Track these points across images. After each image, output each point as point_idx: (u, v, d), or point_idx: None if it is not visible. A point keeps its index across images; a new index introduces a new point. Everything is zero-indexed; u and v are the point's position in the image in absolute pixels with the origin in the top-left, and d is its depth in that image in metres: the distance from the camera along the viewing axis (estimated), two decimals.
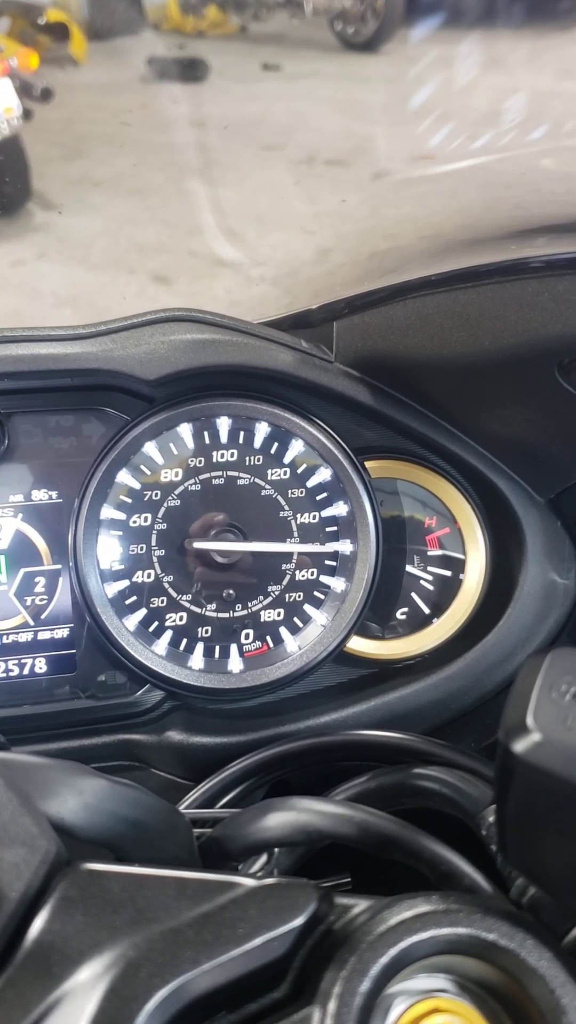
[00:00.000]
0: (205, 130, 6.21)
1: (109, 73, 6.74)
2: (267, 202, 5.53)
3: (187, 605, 1.13)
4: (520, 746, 0.58)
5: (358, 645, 1.15)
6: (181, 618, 1.13)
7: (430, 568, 1.17)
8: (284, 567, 1.14)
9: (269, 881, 0.65)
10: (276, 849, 0.88)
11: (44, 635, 1.12)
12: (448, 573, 1.17)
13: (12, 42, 5.81)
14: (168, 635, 1.13)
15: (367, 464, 1.13)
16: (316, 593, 1.15)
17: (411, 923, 0.62)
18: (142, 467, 1.12)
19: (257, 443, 1.13)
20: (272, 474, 1.14)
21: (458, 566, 1.17)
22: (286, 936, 0.62)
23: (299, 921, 0.62)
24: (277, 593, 1.15)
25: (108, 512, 1.11)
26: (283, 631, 1.15)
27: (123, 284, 4.80)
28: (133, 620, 1.12)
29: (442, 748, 0.94)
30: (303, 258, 4.89)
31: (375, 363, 1.06)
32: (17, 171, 5.20)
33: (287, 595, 1.15)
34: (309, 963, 0.62)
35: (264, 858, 0.90)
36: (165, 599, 1.13)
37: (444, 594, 1.17)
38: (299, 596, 1.15)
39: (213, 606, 1.14)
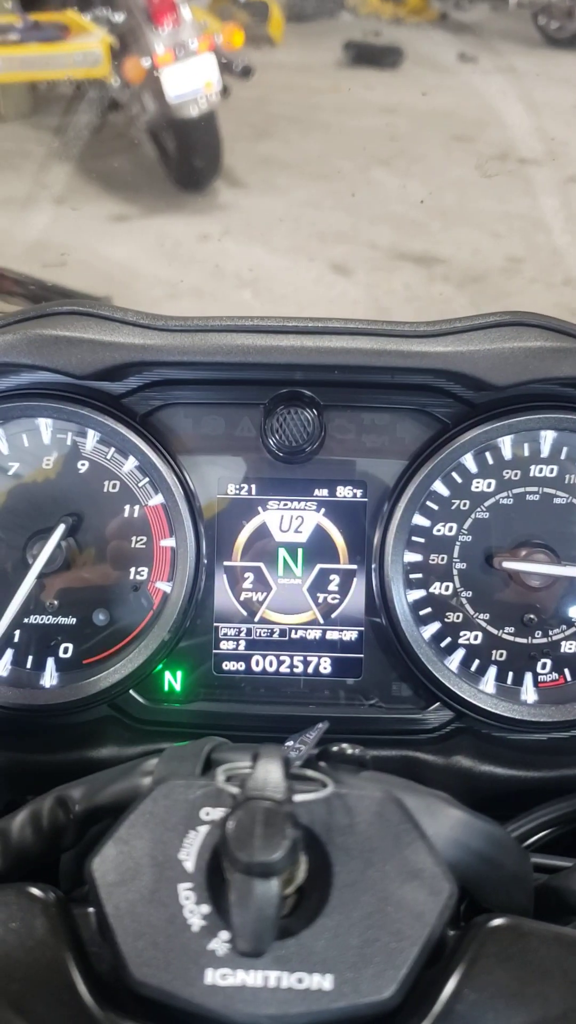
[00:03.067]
0: (396, 117, 6.13)
1: (304, 54, 6.73)
2: (454, 196, 5.41)
3: (483, 624, 1.07)
4: None
5: None
6: (476, 637, 1.08)
7: None
8: None
9: None
10: None
11: (332, 635, 1.08)
12: None
13: (214, 18, 5.85)
14: (460, 653, 1.07)
15: None
16: None
17: None
18: (454, 475, 1.06)
19: None
20: None
21: None
22: None
23: None
24: None
25: (415, 518, 1.06)
26: None
27: (302, 270, 4.78)
28: (427, 632, 1.07)
29: None
30: (490, 263, 4.76)
31: None
32: (210, 147, 5.24)
33: None
34: None
35: None
36: (461, 615, 1.07)
37: None
38: None
39: (511, 629, 1.07)
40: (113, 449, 1.05)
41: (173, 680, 1.08)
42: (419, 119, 6.21)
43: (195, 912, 0.60)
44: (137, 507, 1.06)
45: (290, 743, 0.77)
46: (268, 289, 4.62)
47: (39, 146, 5.12)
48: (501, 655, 1.08)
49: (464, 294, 4.65)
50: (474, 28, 7.08)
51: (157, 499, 1.05)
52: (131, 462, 1.05)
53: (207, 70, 4.95)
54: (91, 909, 0.63)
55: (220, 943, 0.58)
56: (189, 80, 4.85)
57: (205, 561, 1.06)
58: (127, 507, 1.06)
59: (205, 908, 0.60)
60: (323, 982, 0.58)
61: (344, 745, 0.73)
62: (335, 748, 0.72)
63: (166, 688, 1.08)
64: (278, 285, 4.69)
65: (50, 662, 1.06)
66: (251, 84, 5.34)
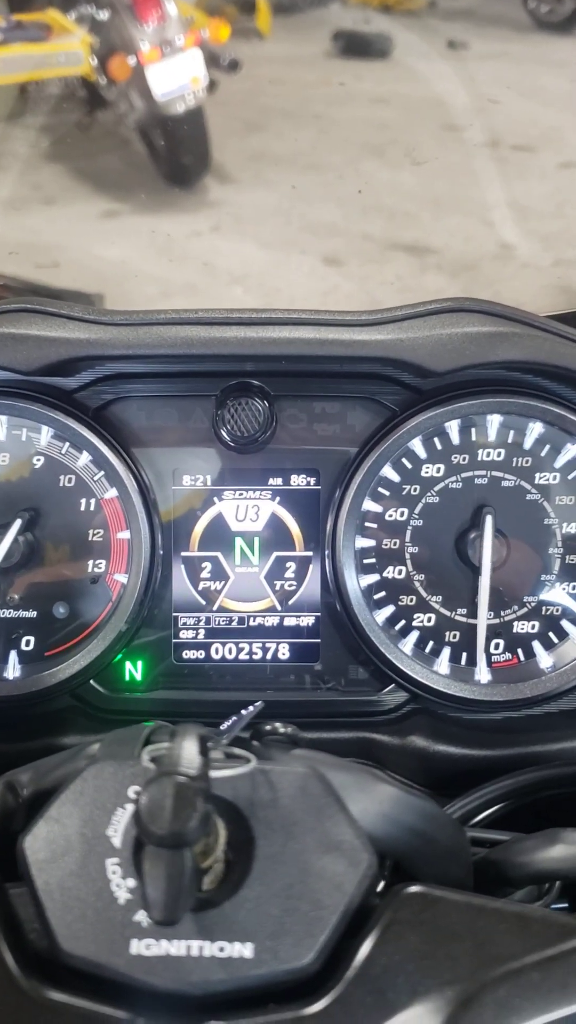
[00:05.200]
0: (387, 107, 6.12)
1: (293, 47, 6.72)
2: (445, 185, 5.40)
3: (437, 607, 1.09)
4: None
5: None
6: (429, 619, 1.10)
7: None
8: (543, 578, 1.09)
9: None
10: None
11: (290, 621, 1.11)
12: None
13: (201, 13, 5.85)
14: (415, 635, 1.09)
15: None
16: None
17: None
18: (404, 460, 1.08)
19: (527, 444, 1.08)
20: (540, 478, 1.08)
21: None
22: None
23: None
24: (532, 604, 1.09)
25: (367, 504, 1.08)
26: (536, 645, 1.09)
27: (294, 264, 4.78)
28: (381, 615, 1.09)
29: None
30: (483, 251, 4.75)
31: None
32: (199, 143, 5.23)
33: (543, 608, 1.09)
34: None
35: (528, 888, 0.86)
36: (414, 598, 1.09)
37: None
38: (557, 610, 1.09)
39: (464, 611, 1.09)
40: (67, 444, 1.07)
41: (134, 669, 1.10)
42: (410, 108, 6.19)
43: (121, 886, 0.62)
44: (93, 501, 1.08)
45: (226, 725, 0.79)
46: (260, 284, 4.62)
47: (27, 147, 5.14)
48: (454, 636, 1.10)
49: (457, 283, 4.65)
50: (464, 14, 7.06)
51: (112, 492, 1.07)
52: (85, 456, 1.07)
53: (194, 66, 4.95)
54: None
55: (145, 915, 0.61)
56: (176, 76, 4.85)
57: (161, 552, 1.08)
58: (83, 501, 1.08)
59: (131, 882, 0.62)
60: (244, 950, 0.60)
61: (277, 724, 0.75)
62: (267, 727, 0.74)
63: (127, 678, 1.10)
64: (270, 279, 4.69)
65: (13, 655, 1.08)
66: (240, 78, 5.34)
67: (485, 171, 5.54)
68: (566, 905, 0.90)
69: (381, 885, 0.74)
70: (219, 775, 0.64)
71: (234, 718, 0.80)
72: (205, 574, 1.10)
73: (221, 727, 0.80)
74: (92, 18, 4.74)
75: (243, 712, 0.79)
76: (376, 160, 5.67)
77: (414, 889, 0.63)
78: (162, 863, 0.57)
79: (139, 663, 1.10)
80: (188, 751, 0.61)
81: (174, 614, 1.10)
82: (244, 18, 6.71)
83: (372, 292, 4.67)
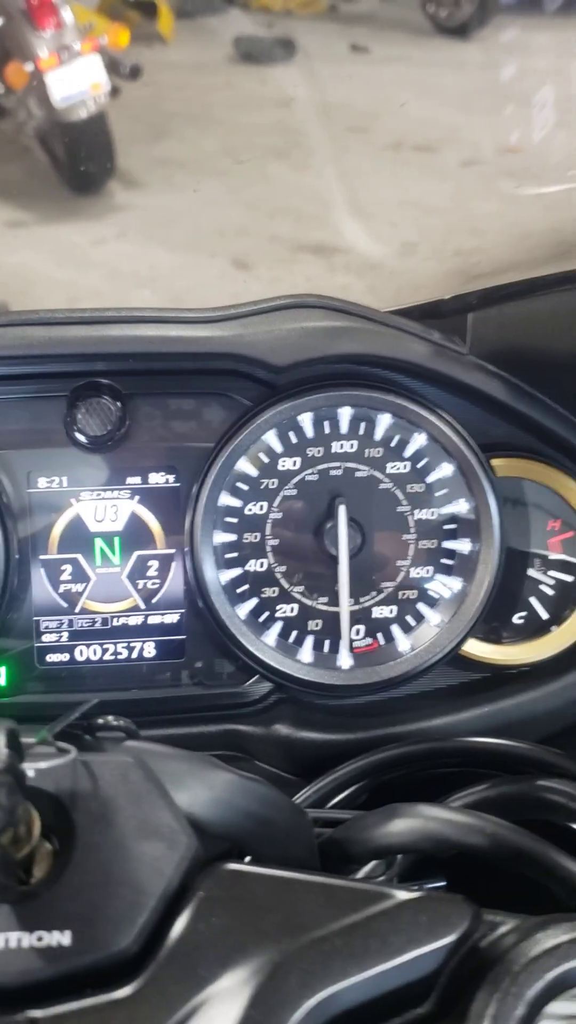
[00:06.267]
0: (290, 111, 6.15)
1: (196, 52, 6.72)
2: (351, 186, 5.46)
3: (298, 597, 1.11)
4: None
5: (473, 648, 1.12)
6: (292, 610, 1.12)
7: (551, 572, 1.13)
8: (398, 563, 1.12)
9: (420, 894, 0.62)
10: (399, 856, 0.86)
11: (154, 619, 1.11)
12: (569, 579, 1.13)
13: (102, 18, 5.82)
14: (278, 626, 1.11)
15: (492, 462, 1.09)
16: (431, 592, 1.12)
17: (569, 948, 0.59)
18: (260, 455, 1.10)
19: (378, 435, 1.10)
20: (391, 467, 1.11)
21: None
22: (437, 952, 0.60)
23: (452, 938, 0.60)
24: (390, 590, 1.12)
25: (225, 499, 1.09)
26: (395, 629, 1.12)
27: (204, 267, 4.79)
28: (244, 609, 1.10)
29: (571, 762, 0.91)
30: (388, 248, 4.82)
31: (513, 356, 1.02)
32: (102, 149, 5.20)
33: (400, 592, 1.12)
34: (455, 981, 0.60)
35: (373, 864, 0.88)
36: (277, 590, 1.11)
37: (563, 600, 1.14)
38: (413, 594, 1.12)
39: (325, 599, 1.12)
40: None
41: None
42: (314, 112, 6.24)
43: None
44: None
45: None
46: (168, 287, 4.62)
47: None
48: (317, 625, 1.12)
49: (363, 281, 4.71)
50: (365, 18, 7.15)
51: None
52: None
53: (93, 72, 4.92)
54: None
55: None
56: (75, 83, 4.81)
57: (18, 556, 1.08)
58: None
59: None
60: (62, 938, 0.61)
61: (110, 717, 0.76)
62: (100, 720, 0.75)
63: None
64: (179, 282, 4.69)
65: None
66: (144, 84, 5.32)
67: (389, 172, 5.63)
68: (443, 883, 0.92)
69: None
70: (39, 767, 0.65)
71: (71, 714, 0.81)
72: (65, 577, 1.10)
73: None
74: None
75: (77, 709, 0.81)
76: (282, 163, 5.71)
77: (226, 866, 0.64)
78: None
79: (2, 669, 1.10)
80: None
81: (35, 618, 1.10)
82: (146, 23, 6.68)
83: (283, 293, 4.70)
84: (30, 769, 0.64)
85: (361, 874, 0.86)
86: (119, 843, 0.64)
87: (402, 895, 0.62)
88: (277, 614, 1.11)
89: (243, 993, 0.58)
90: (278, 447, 1.10)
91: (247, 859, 0.73)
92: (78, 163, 4.96)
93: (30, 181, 5.29)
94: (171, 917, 0.63)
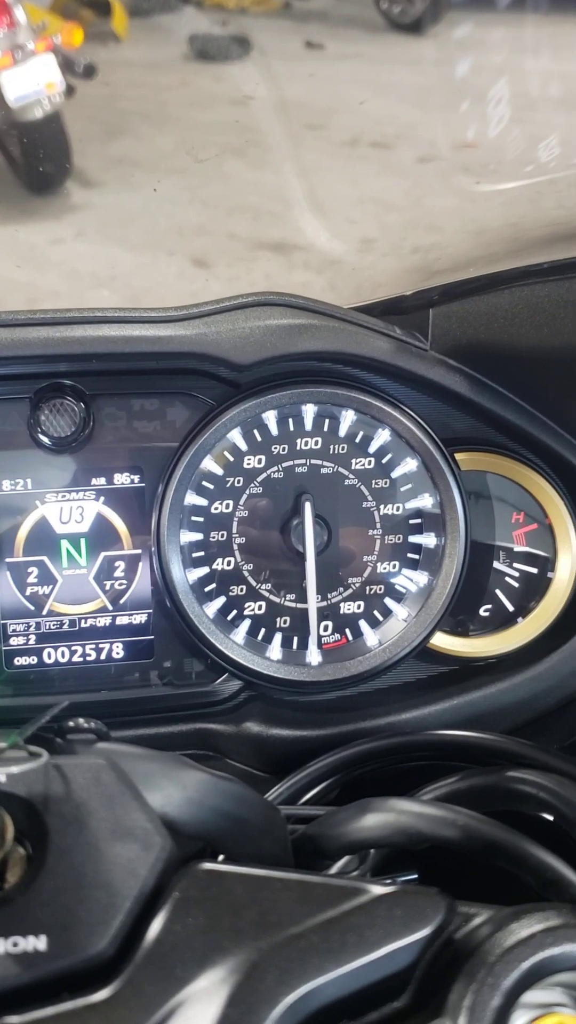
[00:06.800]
0: (246, 109, 6.14)
1: (151, 50, 6.68)
2: (308, 184, 5.46)
3: (266, 594, 1.12)
4: None
5: (441, 642, 1.13)
6: (260, 607, 1.12)
7: (516, 565, 1.14)
8: (365, 559, 1.12)
9: (394, 888, 0.63)
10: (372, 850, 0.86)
11: (122, 620, 1.11)
12: (534, 571, 1.15)
13: (55, 17, 5.76)
14: (246, 624, 1.11)
15: (455, 456, 1.10)
16: (397, 587, 1.13)
17: (543, 937, 0.60)
18: (225, 453, 1.10)
19: (342, 431, 1.11)
20: (356, 463, 1.11)
21: (545, 564, 1.14)
22: (413, 945, 0.60)
23: (427, 931, 0.60)
24: (357, 585, 1.13)
25: (191, 498, 1.09)
26: (363, 624, 1.13)
27: (163, 265, 4.76)
28: (212, 608, 1.10)
29: (539, 752, 0.91)
30: (346, 245, 4.83)
31: (474, 351, 1.03)
32: (57, 149, 5.15)
33: (367, 588, 1.13)
34: (432, 973, 0.60)
35: (347, 859, 0.89)
36: (244, 587, 1.11)
37: (529, 592, 1.15)
38: (380, 589, 1.13)
39: (292, 596, 1.12)
40: None
41: None
42: (270, 109, 6.23)
43: None
44: None
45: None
46: (127, 286, 4.59)
47: None
48: (285, 622, 1.12)
49: (323, 278, 4.71)
50: (319, 15, 7.16)
51: None
52: None
53: (47, 71, 4.86)
54: None
55: None
56: (29, 82, 4.76)
57: None
58: None
59: None
60: (37, 943, 0.61)
61: (80, 720, 0.75)
62: (71, 723, 0.75)
63: None
64: (137, 281, 4.66)
65: None
66: (99, 82, 5.28)
67: (346, 169, 5.64)
68: (415, 876, 0.93)
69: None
70: (10, 771, 0.64)
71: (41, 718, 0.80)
72: (32, 579, 1.09)
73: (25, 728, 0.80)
74: None
75: (48, 712, 0.80)
76: (239, 160, 5.69)
77: (201, 866, 0.64)
78: None
79: None
80: None
81: (2, 622, 1.09)
82: (100, 21, 6.63)
83: (242, 291, 4.69)
84: (1, 774, 0.63)
85: (335, 869, 0.86)
86: (92, 846, 0.64)
87: (377, 889, 0.62)
88: (245, 612, 1.11)
89: (221, 992, 0.58)
90: (243, 445, 1.10)
91: (221, 858, 0.73)
92: (35, 163, 4.91)
93: None
94: (147, 919, 0.63)
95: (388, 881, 0.70)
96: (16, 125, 4.87)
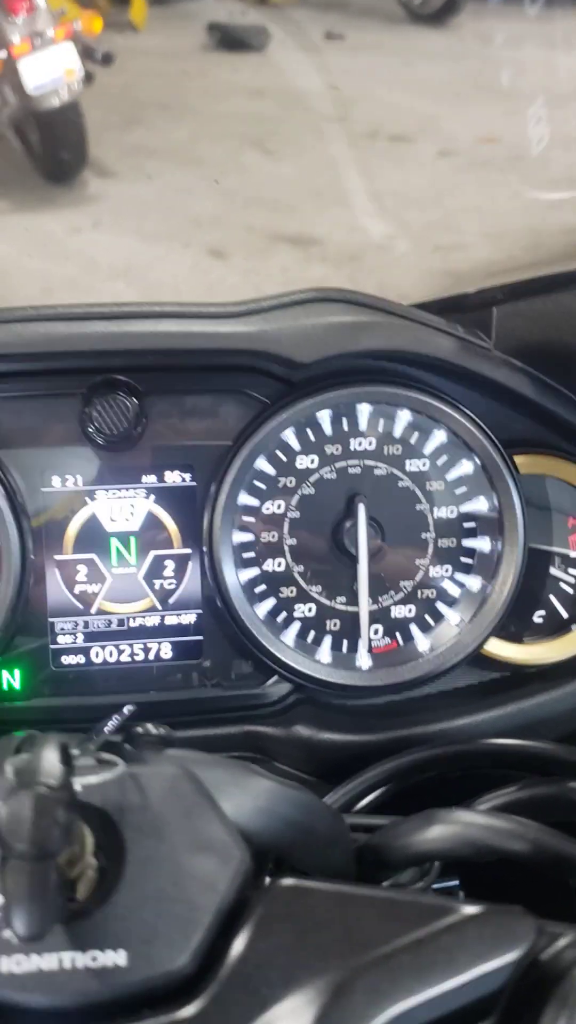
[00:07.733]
0: (265, 100, 6.11)
1: (168, 39, 6.65)
2: (326, 176, 5.43)
3: (317, 596, 1.10)
4: None
5: (494, 648, 1.11)
6: (310, 609, 1.10)
7: (571, 571, 1.13)
8: (418, 562, 1.11)
9: (483, 908, 0.61)
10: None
11: (171, 620, 1.09)
12: None
13: (73, 5, 5.73)
14: (296, 626, 1.10)
15: (514, 458, 1.08)
16: (450, 591, 1.11)
17: None
18: (278, 453, 1.08)
19: (397, 432, 1.09)
20: (410, 465, 1.10)
21: None
22: (504, 968, 0.58)
23: (518, 953, 0.59)
24: (409, 589, 1.11)
25: (243, 498, 1.07)
26: (414, 628, 1.11)
27: (178, 257, 4.74)
28: (262, 609, 1.09)
29: None
30: (366, 240, 4.80)
31: (539, 352, 1.01)
32: (75, 137, 5.13)
33: (419, 591, 1.11)
34: (519, 996, 0.59)
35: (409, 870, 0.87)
36: (295, 589, 1.10)
37: None
38: (432, 593, 1.11)
39: (343, 599, 1.10)
40: None
41: (11, 678, 1.07)
42: (289, 100, 6.20)
43: None
44: None
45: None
46: (142, 278, 4.56)
47: None
48: (335, 625, 1.10)
49: (341, 273, 4.69)
50: (338, 6, 7.10)
51: None
52: None
53: (67, 58, 4.84)
54: None
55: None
56: (49, 69, 4.74)
57: (33, 557, 1.06)
58: None
59: None
60: (117, 958, 0.59)
61: (148, 725, 0.74)
62: (139, 729, 0.73)
63: (5, 687, 1.07)
64: (153, 273, 4.63)
65: None
66: (116, 71, 5.25)
67: (365, 162, 5.60)
68: (456, 883, 0.92)
69: (267, 881, 0.74)
70: (87, 782, 0.63)
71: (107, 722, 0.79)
72: (81, 577, 1.07)
73: (94, 731, 0.78)
74: None
75: (115, 716, 0.78)
76: (256, 152, 5.66)
77: (284, 882, 0.63)
78: (24, 877, 0.55)
79: (16, 671, 1.07)
80: (48, 761, 0.59)
81: (50, 620, 1.07)
82: (117, 10, 6.60)
83: (258, 284, 4.66)
84: (78, 784, 0.61)
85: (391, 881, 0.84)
86: (170, 858, 0.63)
87: (465, 909, 0.61)
88: (295, 614, 1.10)
89: (308, 1013, 0.57)
90: (296, 445, 1.08)
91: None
92: (53, 151, 4.89)
93: (4, 170, 5.21)
94: (226, 934, 0.62)
95: (458, 896, 0.68)
96: (35, 113, 4.86)
